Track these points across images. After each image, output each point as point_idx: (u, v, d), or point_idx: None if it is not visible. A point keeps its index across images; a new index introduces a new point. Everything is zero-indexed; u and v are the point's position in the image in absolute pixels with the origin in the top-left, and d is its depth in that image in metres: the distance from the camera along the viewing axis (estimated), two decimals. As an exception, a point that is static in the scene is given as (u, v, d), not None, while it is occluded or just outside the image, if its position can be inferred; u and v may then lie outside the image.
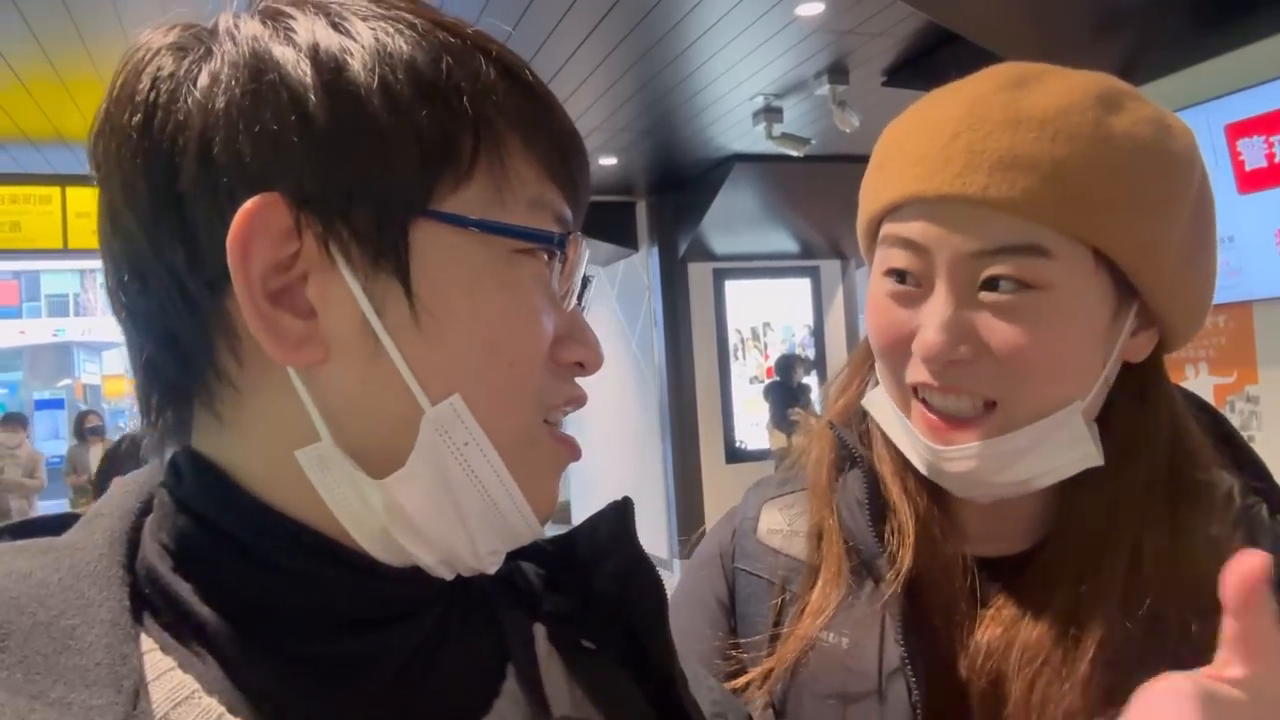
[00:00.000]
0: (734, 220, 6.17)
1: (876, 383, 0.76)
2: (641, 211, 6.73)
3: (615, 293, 7.34)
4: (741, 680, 0.74)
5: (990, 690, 0.67)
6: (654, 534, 6.46)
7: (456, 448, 0.43)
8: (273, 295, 0.41)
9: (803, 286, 7.09)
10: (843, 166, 5.53)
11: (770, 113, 4.63)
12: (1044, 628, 0.66)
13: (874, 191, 0.72)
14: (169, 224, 0.42)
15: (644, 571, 0.52)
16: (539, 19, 3.48)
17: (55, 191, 5.34)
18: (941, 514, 0.73)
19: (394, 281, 0.42)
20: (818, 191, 5.82)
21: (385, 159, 0.42)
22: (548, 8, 3.40)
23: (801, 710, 0.71)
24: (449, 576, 0.46)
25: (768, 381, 6.74)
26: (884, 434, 0.75)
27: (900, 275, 0.69)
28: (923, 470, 0.71)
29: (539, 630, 0.52)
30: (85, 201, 5.35)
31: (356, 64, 0.42)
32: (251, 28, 0.43)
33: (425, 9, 0.45)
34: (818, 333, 7.11)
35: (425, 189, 0.42)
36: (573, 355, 0.48)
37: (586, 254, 0.50)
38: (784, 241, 6.82)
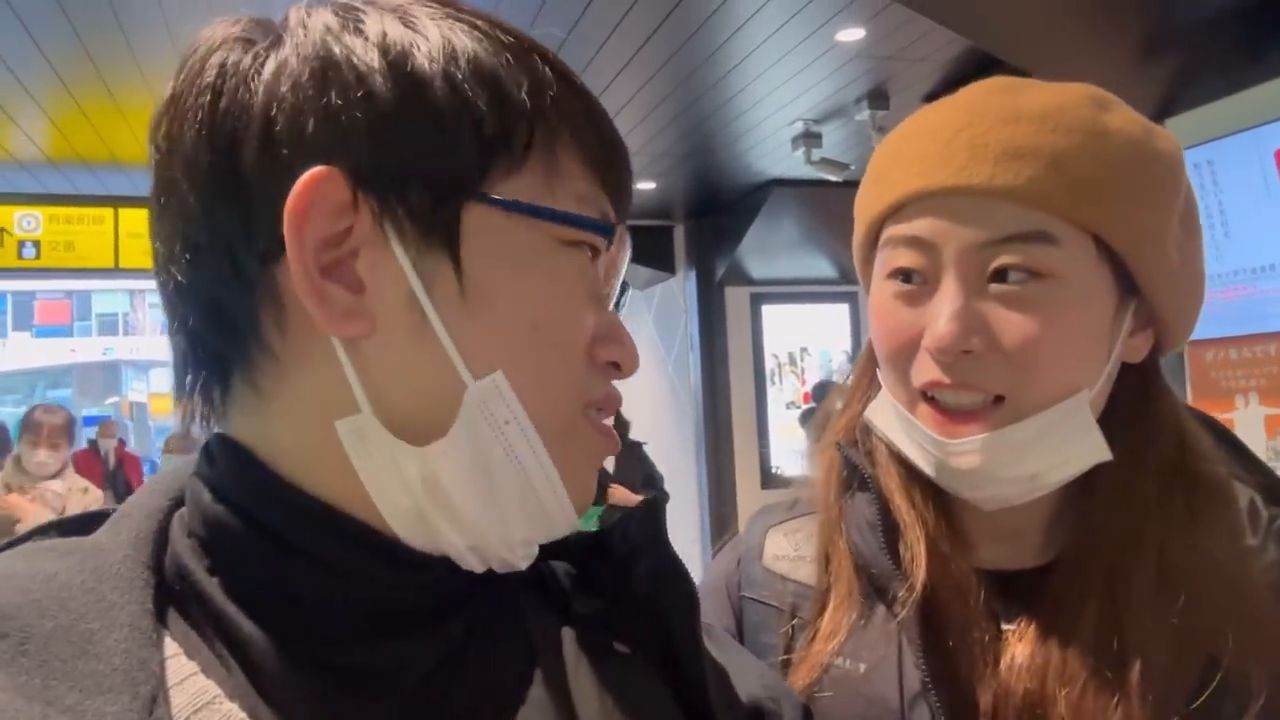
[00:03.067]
0: (771, 245, 6.16)
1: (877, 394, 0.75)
2: (679, 235, 6.74)
3: (652, 316, 7.35)
4: None
5: (1026, 713, 0.65)
6: (688, 558, 6.29)
7: (497, 425, 0.43)
8: (324, 268, 0.42)
9: (841, 312, 7.05)
10: (882, 192, 5.50)
11: (810, 138, 4.63)
12: (1080, 643, 0.65)
13: (872, 199, 0.73)
14: (226, 196, 0.43)
15: (675, 572, 0.51)
16: (581, 45, 3.52)
17: (108, 213, 5.48)
18: (950, 529, 0.72)
19: (444, 259, 0.43)
20: (857, 217, 5.79)
21: (444, 141, 0.43)
22: (590, 34, 3.44)
23: None
24: (479, 567, 0.46)
25: (804, 408, 6.69)
26: (888, 447, 0.74)
27: (905, 275, 0.69)
28: (930, 472, 0.69)
29: (568, 634, 0.51)
30: (137, 222, 5.49)
31: (422, 54, 0.43)
32: (323, 18, 0.45)
33: (488, 14, 0.47)
34: (855, 359, 7.04)
35: (480, 173, 0.44)
36: (610, 354, 0.48)
37: (628, 255, 0.51)
38: (822, 267, 6.79)
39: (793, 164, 5.01)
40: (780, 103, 4.23)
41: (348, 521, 0.43)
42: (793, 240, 6.20)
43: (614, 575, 0.52)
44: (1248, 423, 2.83)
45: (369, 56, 0.43)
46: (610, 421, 0.51)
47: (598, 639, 0.51)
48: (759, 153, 5.02)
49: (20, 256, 5.44)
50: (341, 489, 0.43)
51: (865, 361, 0.79)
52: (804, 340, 6.97)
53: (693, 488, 6.65)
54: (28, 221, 5.45)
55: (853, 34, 3.49)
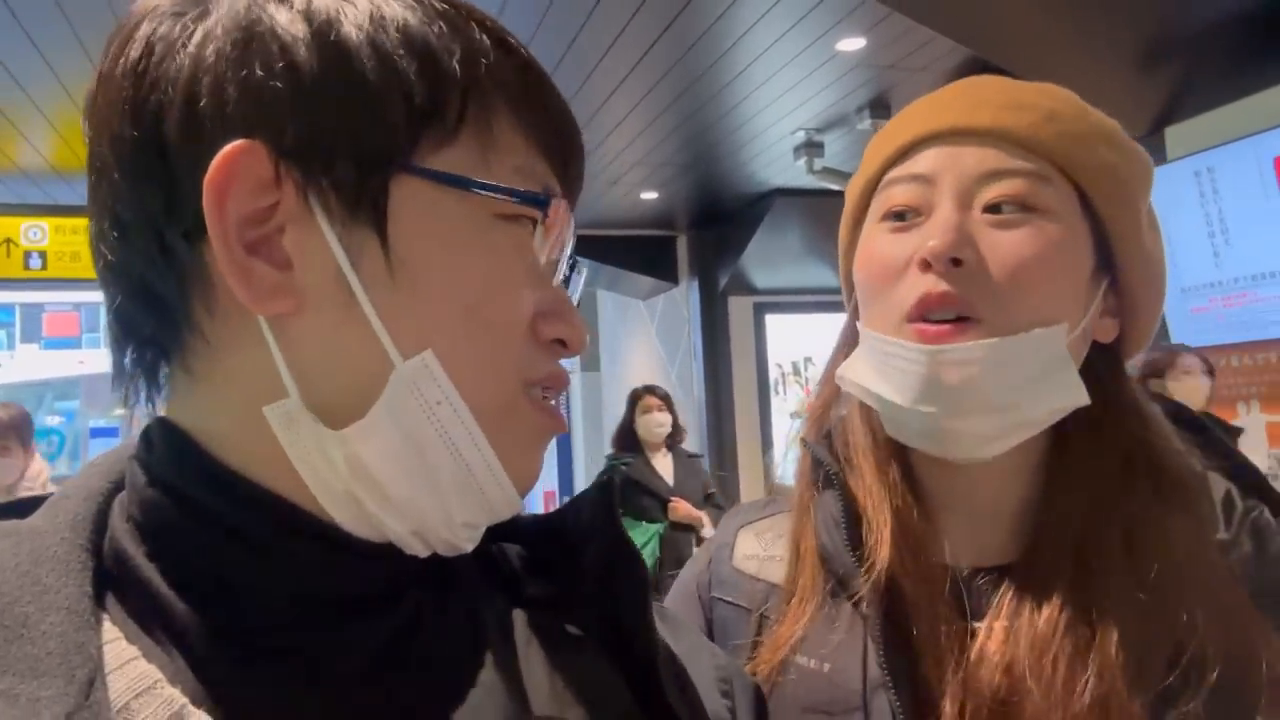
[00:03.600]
0: (774, 254, 6.17)
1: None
2: (682, 246, 6.75)
3: (655, 326, 7.36)
4: None
5: (995, 709, 0.65)
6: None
7: (429, 406, 0.42)
8: (250, 245, 0.41)
9: (843, 321, 7.06)
10: (884, 201, 5.52)
11: (811, 147, 4.65)
12: (1050, 625, 0.65)
13: (870, 157, 0.76)
14: (151, 172, 0.42)
15: (627, 555, 0.50)
16: (583, 55, 3.54)
17: (85, 223, 5.50)
18: (921, 514, 0.72)
19: (371, 234, 0.42)
20: (859, 226, 5.81)
21: (370, 112, 0.42)
22: (591, 44, 3.46)
23: None
24: (423, 552, 0.44)
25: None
26: (862, 417, 0.75)
27: (900, 214, 0.71)
28: (912, 397, 0.68)
29: (519, 616, 0.50)
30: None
31: (349, 22, 0.42)
32: None
33: None
34: (859, 368, 7.06)
35: (408, 144, 0.42)
36: (555, 332, 0.46)
37: (572, 226, 0.49)
38: (825, 276, 6.80)
39: (795, 173, 5.03)
40: (782, 112, 4.25)
41: (285, 507, 0.42)
42: (796, 250, 6.20)
43: (565, 558, 0.52)
44: (1249, 430, 2.82)
45: (293, 26, 0.42)
46: (556, 401, 0.49)
47: (549, 622, 0.50)
48: (761, 162, 5.04)
49: (27, 268, 5.46)
50: (278, 474, 0.42)
51: (840, 343, 0.81)
52: (808, 350, 6.96)
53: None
54: (34, 233, 5.47)
55: (854, 43, 3.50)
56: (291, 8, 0.42)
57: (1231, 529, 0.69)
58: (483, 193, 0.44)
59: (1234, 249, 2.87)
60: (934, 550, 0.71)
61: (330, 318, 0.42)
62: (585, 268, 0.52)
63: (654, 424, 4.32)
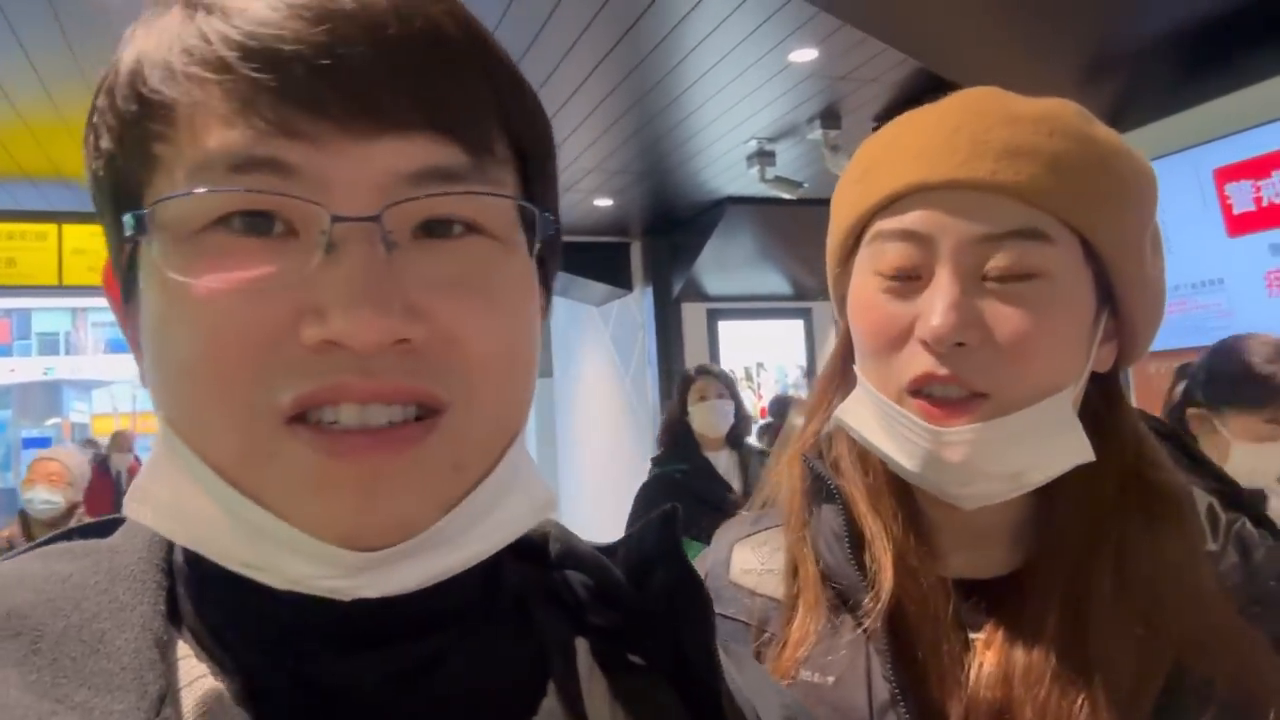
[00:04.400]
0: (728, 261, 6.21)
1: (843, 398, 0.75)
2: (636, 252, 6.77)
3: (610, 332, 7.36)
4: None
5: (995, 719, 0.66)
6: (647, 576, 6.39)
7: (186, 469, 0.39)
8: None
9: (796, 328, 7.12)
10: (836, 209, 5.60)
11: (764, 156, 4.69)
12: (1044, 648, 0.66)
13: (859, 194, 0.72)
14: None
15: (690, 584, 0.48)
16: (536, 63, 3.53)
17: (52, 229, 5.35)
18: (918, 539, 0.72)
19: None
20: (810, 234, 5.85)
21: (96, 198, 0.43)
22: (545, 53, 3.45)
23: None
24: (328, 595, 0.39)
25: (762, 423, 6.73)
26: (853, 452, 0.74)
27: (896, 271, 0.69)
28: (913, 466, 0.68)
29: (582, 645, 0.48)
30: (81, 238, 5.37)
31: (99, 95, 0.42)
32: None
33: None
34: (810, 373, 7.12)
35: (125, 202, 0.41)
36: (315, 335, 0.37)
37: (285, 199, 0.38)
38: (777, 283, 6.86)
39: (747, 182, 5.07)
40: (734, 121, 4.28)
41: None
42: (748, 257, 6.25)
43: (629, 587, 0.49)
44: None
45: (87, 123, 0.43)
46: (377, 417, 0.39)
47: (613, 650, 0.48)
48: (714, 170, 5.06)
49: (-41, 274, 5.29)
50: None
51: (830, 371, 0.79)
52: (760, 355, 7.02)
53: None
54: (-33, 238, 5.30)
55: (805, 55, 3.54)
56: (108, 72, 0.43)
57: (1218, 540, 0.71)
58: (152, 230, 0.39)
59: (1174, 257, 2.94)
60: (933, 567, 0.71)
61: None
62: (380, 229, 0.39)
63: (713, 414, 3.21)
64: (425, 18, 0.39)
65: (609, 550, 0.52)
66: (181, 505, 0.40)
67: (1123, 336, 0.73)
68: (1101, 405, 0.72)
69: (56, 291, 5.52)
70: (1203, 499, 0.73)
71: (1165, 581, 0.67)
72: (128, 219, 0.39)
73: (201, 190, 0.38)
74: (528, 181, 0.44)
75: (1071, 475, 0.69)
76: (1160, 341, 0.77)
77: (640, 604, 0.48)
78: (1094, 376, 0.72)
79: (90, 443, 9.08)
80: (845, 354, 0.77)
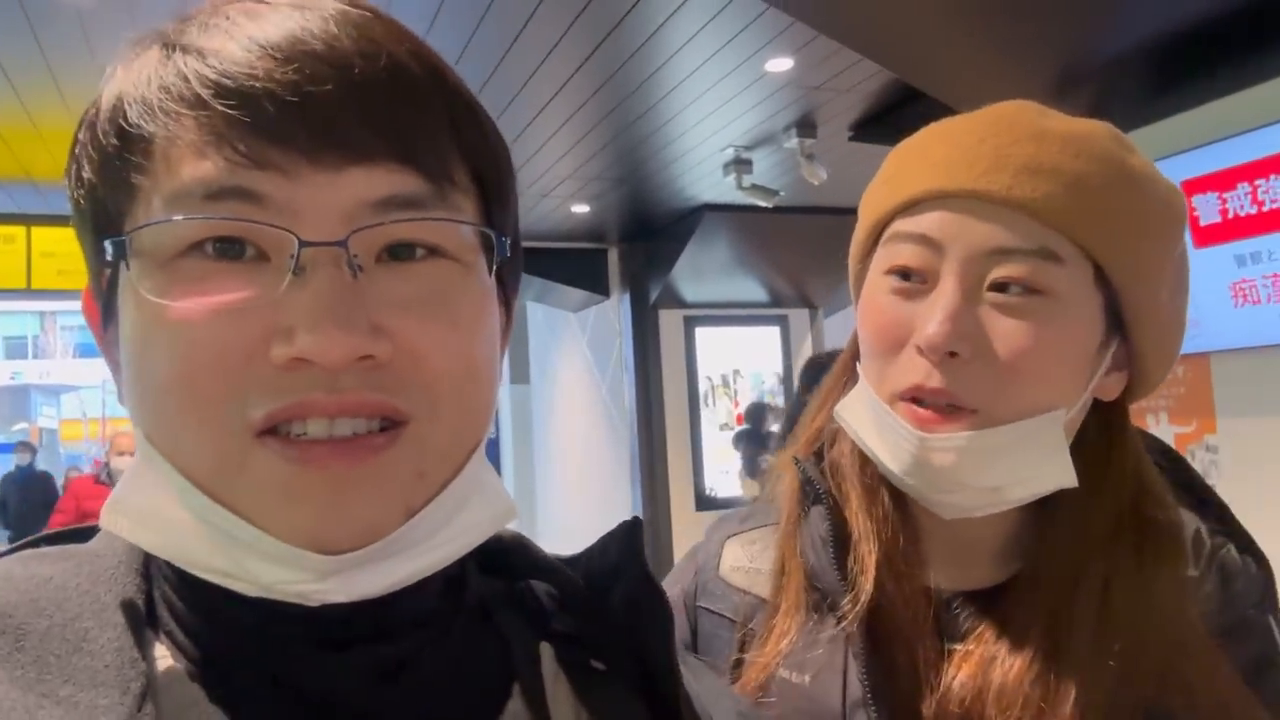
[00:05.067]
0: (704, 268, 6.24)
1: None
2: (613, 258, 6.77)
3: (587, 339, 7.36)
4: None
5: None
6: (623, 582, 6.38)
7: (164, 479, 0.42)
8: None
9: (772, 335, 7.15)
10: (811, 218, 5.62)
11: (740, 164, 4.71)
12: (1019, 669, 0.66)
13: (884, 194, 0.73)
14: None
15: (652, 594, 0.50)
16: (514, 68, 3.53)
17: (20, 231, 5.27)
18: (908, 544, 0.72)
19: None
20: (787, 242, 5.90)
21: (78, 225, 0.45)
22: (524, 59, 3.45)
23: None
24: (308, 603, 0.41)
25: (738, 429, 6.75)
26: (853, 451, 0.75)
27: (905, 273, 0.69)
28: (899, 470, 0.69)
29: (546, 650, 0.50)
30: (50, 242, 5.29)
31: (81, 128, 0.45)
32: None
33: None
34: (787, 381, 7.15)
35: (105, 232, 0.43)
36: (283, 353, 0.39)
37: (256, 225, 0.40)
38: (754, 290, 6.89)
39: (724, 189, 5.09)
40: (711, 129, 4.30)
41: None
42: (725, 264, 6.28)
43: (592, 595, 0.52)
44: (1159, 441, 2.95)
45: (69, 154, 0.45)
46: (344, 429, 0.41)
47: (576, 656, 0.50)
48: (691, 178, 5.08)
49: (-80, 277, 5.20)
50: None
51: (840, 368, 0.80)
52: (736, 363, 7.04)
53: (627, 509, 6.65)
54: (-70, 241, 5.21)
55: (782, 64, 3.57)
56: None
57: (1199, 566, 0.71)
58: (132, 258, 0.41)
59: (1142, 268, 2.99)
60: (918, 576, 0.72)
61: None
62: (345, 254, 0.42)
63: None
64: (389, 56, 0.42)
65: (573, 560, 0.54)
66: (158, 515, 0.42)
67: (1133, 367, 0.72)
68: (1104, 434, 0.72)
69: (25, 295, 5.45)
70: (1191, 523, 0.73)
71: (1150, 622, 0.67)
72: (108, 245, 0.41)
73: (178, 217, 0.40)
74: (487, 206, 0.47)
75: (1066, 500, 0.69)
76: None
77: (602, 612, 0.51)
78: (1099, 404, 0.72)
79: (25, 445, 9.14)
80: (855, 351, 0.78)
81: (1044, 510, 0.71)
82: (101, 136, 0.42)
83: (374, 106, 0.41)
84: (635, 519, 0.52)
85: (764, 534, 0.80)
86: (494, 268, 0.46)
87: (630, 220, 6.03)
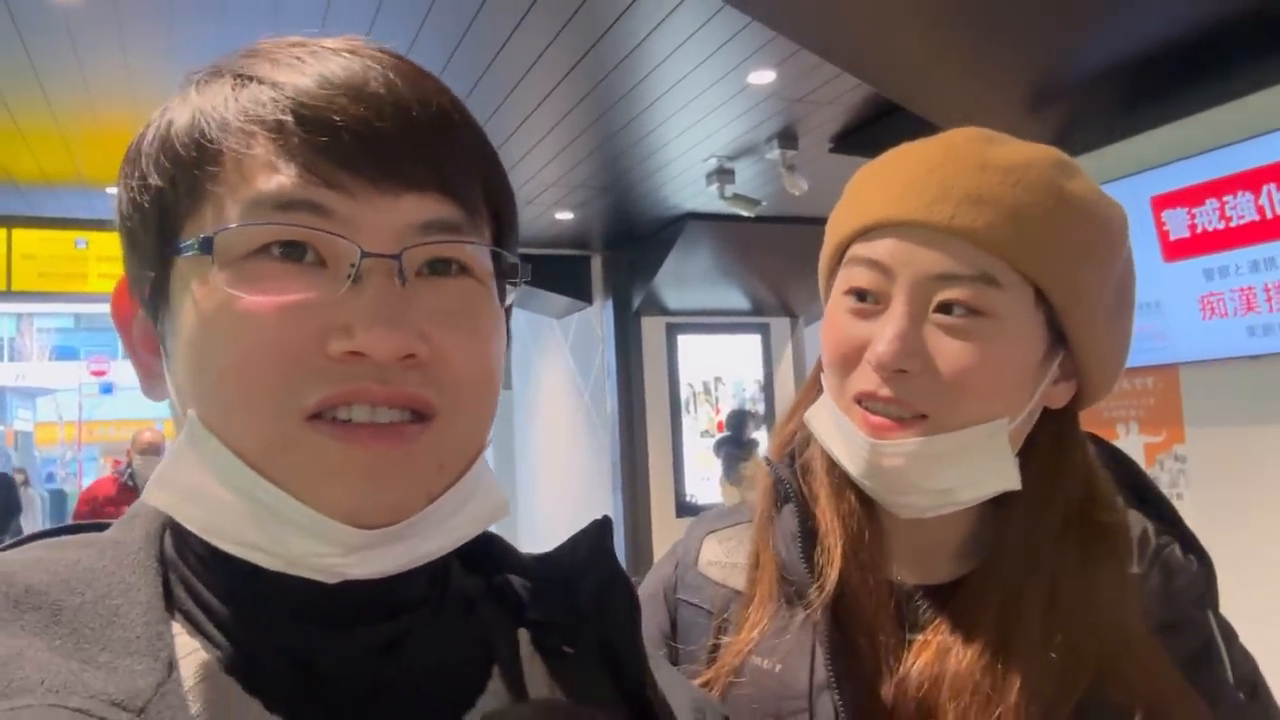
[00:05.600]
0: (687, 276, 6.28)
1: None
2: (597, 266, 6.81)
3: (569, 345, 7.38)
4: None
5: (920, 717, 0.71)
6: (603, 588, 6.38)
7: (208, 458, 0.46)
8: (154, 349, 0.51)
9: (753, 343, 7.20)
10: (792, 228, 5.68)
11: (723, 174, 4.76)
12: (972, 658, 0.71)
13: (845, 218, 0.78)
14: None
15: (619, 585, 0.56)
16: (501, 77, 3.56)
17: (1, 232, 5.24)
18: (872, 539, 0.77)
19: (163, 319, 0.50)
20: (768, 251, 5.96)
21: (140, 222, 0.50)
22: (508, 67, 3.48)
23: None
24: (316, 577, 0.46)
25: (719, 436, 6.79)
26: (822, 452, 0.80)
27: (861, 294, 0.75)
28: (855, 471, 0.75)
29: (523, 635, 0.56)
30: (31, 244, 5.26)
31: (132, 148, 0.51)
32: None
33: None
34: (767, 388, 7.20)
35: (166, 235, 0.48)
36: (340, 346, 0.44)
37: (337, 233, 0.46)
38: (735, 298, 6.94)
39: (707, 198, 5.13)
40: (694, 140, 4.35)
41: None
42: (707, 272, 6.32)
43: (564, 587, 0.57)
44: (1128, 450, 3.00)
45: (126, 162, 0.50)
46: (383, 416, 0.45)
47: (550, 641, 0.56)
48: (674, 187, 5.13)
49: (-99, 277, 5.15)
50: None
51: (810, 380, 0.85)
52: (718, 370, 7.08)
53: (608, 514, 6.65)
54: (-89, 241, 5.17)
55: (764, 77, 3.62)
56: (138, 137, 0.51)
57: (1143, 564, 0.76)
58: (201, 253, 0.46)
59: (1114, 281, 3.05)
60: (881, 569, 0.77)
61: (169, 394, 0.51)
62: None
63: None
64: (437, 104, 0.49)
65: (546, 556, 0.60)
66: (200, 492, 0.46)
67: (1080, 375, 0.77)
68: (1053, 440, 0.77)
69: (4, 297, 5.41)
70: (1138, 524, 0.78)
71: (1093, 614, 0.71)
72: (190, 242, 0.46)
73: (262, 223, 0.45)
74: (500, 235, 0.53)
75: (1018, 502, 0.74)
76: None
77: (573, 602, 0.56)
78: (1049, 412, 0.77)
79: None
80: (822, 363, 0.83)
81: (998, 511, 0.76)
82: (181, 149, 0.47)
83: (426, 145, 0.48)
84: (605, 518, 0.58)
85: (739, 531, 0.86)
86: (511, 289, 0.53)
87: (614, 228, 6.07)
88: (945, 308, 0.71)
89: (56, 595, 0.44)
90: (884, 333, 0.71)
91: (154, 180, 0.48)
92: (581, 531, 0.58)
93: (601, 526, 0.58)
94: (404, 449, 0.46)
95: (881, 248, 0.74)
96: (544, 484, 7.69)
